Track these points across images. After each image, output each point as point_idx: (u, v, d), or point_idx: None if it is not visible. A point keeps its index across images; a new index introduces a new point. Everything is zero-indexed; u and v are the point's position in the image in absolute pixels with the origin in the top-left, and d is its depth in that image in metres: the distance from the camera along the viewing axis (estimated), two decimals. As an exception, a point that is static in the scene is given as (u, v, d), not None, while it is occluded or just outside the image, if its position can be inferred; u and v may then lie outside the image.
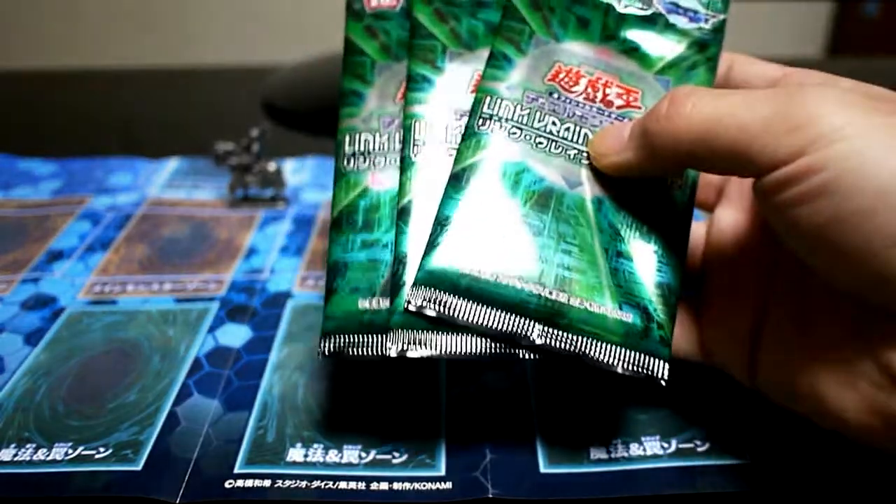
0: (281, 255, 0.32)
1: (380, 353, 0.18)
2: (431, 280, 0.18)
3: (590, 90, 0.21)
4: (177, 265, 0.31)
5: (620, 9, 0.22)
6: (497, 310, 0.18)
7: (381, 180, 0.20)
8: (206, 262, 0.31)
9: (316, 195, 0.37)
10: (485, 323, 0.18)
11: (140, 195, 0.37)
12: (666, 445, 0.21)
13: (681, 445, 0.21)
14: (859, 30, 1.33)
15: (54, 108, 0.57)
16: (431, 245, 0.18)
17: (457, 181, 0.19)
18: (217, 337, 0.26)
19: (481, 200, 0.19)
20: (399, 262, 0.18)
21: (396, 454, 0.21)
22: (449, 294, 0.18)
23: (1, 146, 0.44)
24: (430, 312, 0.18)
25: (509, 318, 0.18)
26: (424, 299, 0.18)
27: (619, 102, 0.21)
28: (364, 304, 0.18)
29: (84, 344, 0.26)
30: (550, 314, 0.18)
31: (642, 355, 0.18)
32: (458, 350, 0.17)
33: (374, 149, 0.20)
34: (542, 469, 0.20)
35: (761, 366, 0.19)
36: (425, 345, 0.17)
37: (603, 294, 0.18)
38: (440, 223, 0.18)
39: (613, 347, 0.18)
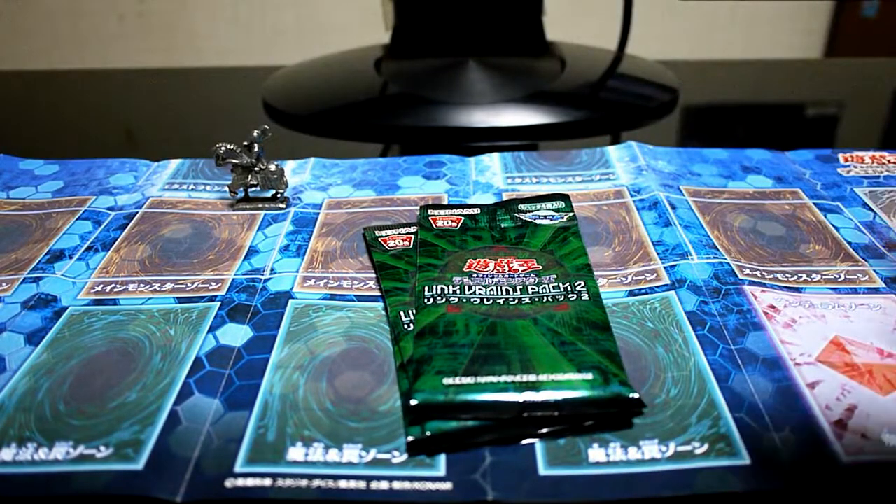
0: (282, 255, 0.32)
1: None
2: (420, 405, 0.22)
3: (498, 267, 0.29)
4: (178, 265, 0.31)
5: (498, 226, 0.32)
6: (483, 396, 0.22)
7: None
8: (206, 262, 0.31)
9: (317, 196, 0.37)
10: (476, 407, 0.22)
11: (141, 195, 0.37)
12: (664, 449, 0.21)
13: (679, 448, 0.21)
14: (858, 30, 1.33)
15: (55, 109, 0.57)
16: (416, 375, 0.23)
17: (422, 334, 0.25)
18: (218, 336, 0.26)
19: (444, 340, 0.24)
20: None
21: (396, 453, 0.21)
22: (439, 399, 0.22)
23: (1, 146, 0.44)
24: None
25: (494, 397, 0.22)
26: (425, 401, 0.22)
27: (522, 268, 0.29)
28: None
29: (85, 343, 0.26)
30: (526, 389, 0.22)
31: (612, 396, 0.22)
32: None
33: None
34: (541, 471, 0.20)
35: None
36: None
37: (561, 366, 0.23)
38: (417, 361, 0.23)
39: (586, 393, 0.22)
